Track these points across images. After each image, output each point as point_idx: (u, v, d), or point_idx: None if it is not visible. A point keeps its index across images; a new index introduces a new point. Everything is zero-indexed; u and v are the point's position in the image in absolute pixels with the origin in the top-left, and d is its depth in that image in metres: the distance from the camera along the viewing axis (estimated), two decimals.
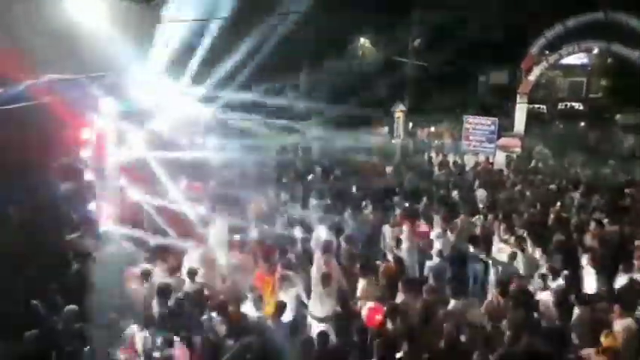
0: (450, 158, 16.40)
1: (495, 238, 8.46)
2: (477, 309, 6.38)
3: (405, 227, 8.64)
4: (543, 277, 6.95)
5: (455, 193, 11.82)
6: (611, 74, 26.23)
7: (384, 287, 7.00)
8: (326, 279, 6.77)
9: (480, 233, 8.85)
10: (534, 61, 17.30)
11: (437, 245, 8.31)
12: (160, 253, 7.55)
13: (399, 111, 19.30)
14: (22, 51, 7.17)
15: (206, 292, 6.75)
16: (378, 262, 7.88)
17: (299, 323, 6.17)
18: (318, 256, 7.31)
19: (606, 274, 6.98)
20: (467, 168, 15.44)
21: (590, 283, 6.98)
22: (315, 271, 7.08)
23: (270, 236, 8.68)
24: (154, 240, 8.02)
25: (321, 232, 8.60)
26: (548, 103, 26.32)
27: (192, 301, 6.38)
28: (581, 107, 26.89)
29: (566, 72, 28.12)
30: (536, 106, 23.79)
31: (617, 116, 23.58)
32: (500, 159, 16.55)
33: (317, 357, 5.29)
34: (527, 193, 11.61)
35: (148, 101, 9.62)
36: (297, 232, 8.88)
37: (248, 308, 6.40)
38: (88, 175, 8.43)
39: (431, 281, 7.50)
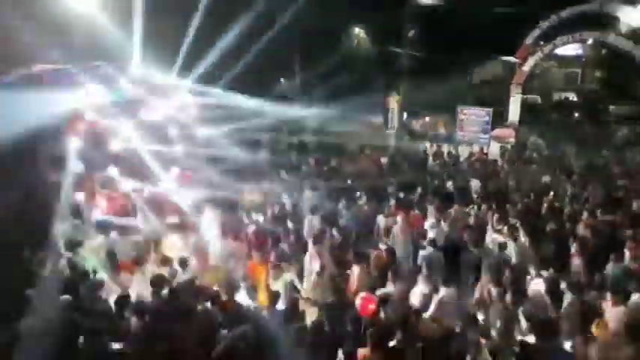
0: (445, 149, 16.41)
1: (489, 228, 8.50)
2: (469, 297, 6.42)
3: (399, 218, 8.65)
4: (535, 266, 6.98)
5: (449, 184, 11.84)
6: (605, 65, 26.27)
7: (376, 277, 7.02)
8: (319, 269, 6.77)
9: (474, 223, 8.87)
10: (529, 52, 17.26)
11: (430, 235, 8.32)
12: (152, 243, 7.52)
13: (394, 101, 19.24)
14: (13, 40, 7.08)
15: (198, 282, 6.74)
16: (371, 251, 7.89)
17: (293, 312, 6.17)
18: (310, 246, 7.31)
19: (597, 263, 7.01)
20: (461, 158, 15.47)
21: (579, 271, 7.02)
22: (307, 261, 7.08)
23: (263, 226, 8.67)
24: (144, 229, 7.99)
25: (315, 223, 8.60)
26: (543, 94, 26.31)
27: (186, 291, 6.36)
28: (576, 98, 26.92)
29: (560, 63, 28.15)
30: (531, 96, 23.75)
31: (611, 107, 23.62)
32: (494, 149, 16.59)
33: (311, 345, 5.29)
34: (521, 184, 11.65)
35: (140, 91, 9.54)
36: (290, 223, 8.88)
37: (242, 297, 6.40)
38: (79, 165, 8.37)
39: (424, 270, 7.52)
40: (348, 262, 7.43)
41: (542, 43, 17.40)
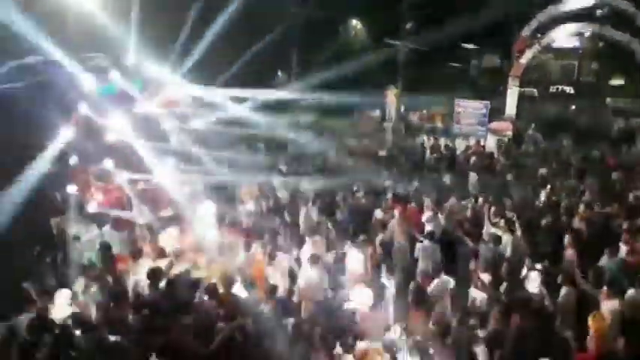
0: (442, 142, 16.39)
1: (486, 221, 8.50)
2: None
3: (396, 211, 8.64)
4: (532, 258, 7.00)
5: (446, 177, 11.84)
6: (602, 58, 26.24)
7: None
8: (315, 261, 6.78)
9: (471, 216, 8.89)
10: (526, 44, 17.20)
11: (428, 228, 8.33)
12: (148, 235, 7.51)
13: (391, 94, 19.18)
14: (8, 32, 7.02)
15: (195, 275, 6.73)
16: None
17: (289, 304, 6.18)
18: (307, 238, 7.32)
19: (591, 254, 7.03)
20: (458, 151, 15.45)
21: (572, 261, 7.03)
22: (304, 253, 7.09)
23: (260, 218, 8.66)
24: (139, 222, 7.98)
25: (312, 215, 8.60)
26: (540, 87, 26.26)
27: (183, 283, 6.36)
28: (573, 91, 26.91)
29: (557, 55, 28.08)
30: (528, 89, 23.71)
31: (608, 100, 23.63)
32: (491, 142, 16.56)
33: (307, 338, 5.31)
34: (518, 177, 11.65)
35: (135, 84, 9.48)
36: (288, 215, 8.87)
37: (239, 290, 6.40)
38: (73, 158, 8.33)
39: (421, 262, 7.55)
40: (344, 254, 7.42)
41: (539, 35, 17.35)
